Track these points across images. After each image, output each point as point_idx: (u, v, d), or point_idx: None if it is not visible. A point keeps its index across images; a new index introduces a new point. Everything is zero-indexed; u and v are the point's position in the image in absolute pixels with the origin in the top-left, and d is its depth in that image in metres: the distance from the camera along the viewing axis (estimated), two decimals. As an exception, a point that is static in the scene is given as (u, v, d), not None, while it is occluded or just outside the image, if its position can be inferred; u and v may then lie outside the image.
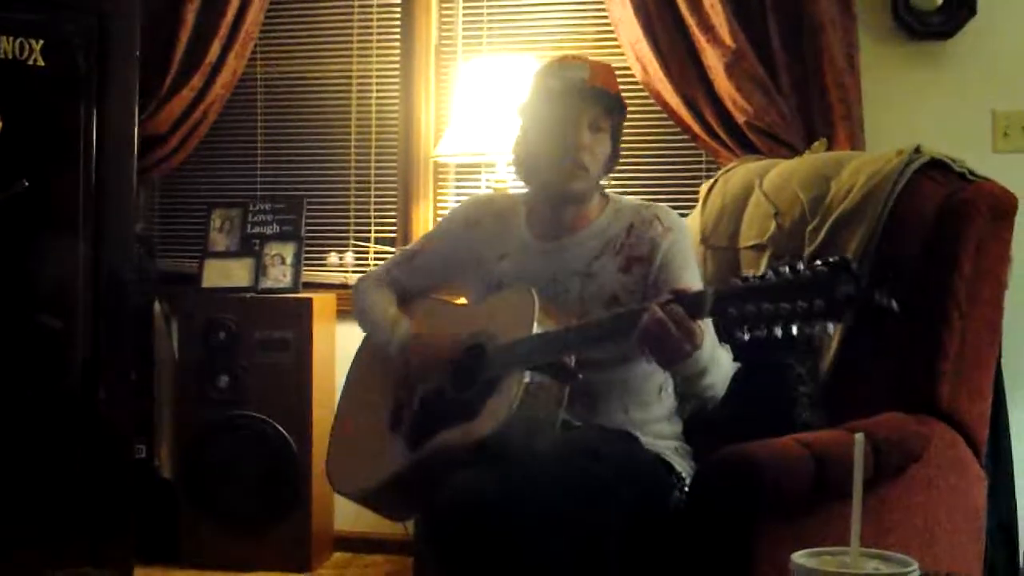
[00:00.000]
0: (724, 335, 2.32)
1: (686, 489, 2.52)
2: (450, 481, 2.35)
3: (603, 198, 2.74)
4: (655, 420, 2.63)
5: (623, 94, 2.68)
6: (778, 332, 1.98)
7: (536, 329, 2.45)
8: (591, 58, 2.79)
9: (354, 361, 2.96)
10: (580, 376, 2.41)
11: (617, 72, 3.91)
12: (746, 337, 2.07)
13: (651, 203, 2.73)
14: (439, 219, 4.24)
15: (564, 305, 2.57)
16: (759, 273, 2.07)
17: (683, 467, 2.58)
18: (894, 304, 1.89)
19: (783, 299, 1.97)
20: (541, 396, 2.41)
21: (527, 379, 2.39)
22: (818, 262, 1.93)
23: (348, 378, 2.95)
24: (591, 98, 2.63)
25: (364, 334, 2.92)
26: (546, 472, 2.29)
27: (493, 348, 2.53)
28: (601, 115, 2.64)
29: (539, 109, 2.69)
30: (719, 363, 2.44)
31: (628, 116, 3.91)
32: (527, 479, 2.28)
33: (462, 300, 2.94)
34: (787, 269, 2.00)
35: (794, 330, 1.96)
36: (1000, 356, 2.90)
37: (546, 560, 2.25)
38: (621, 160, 2.79)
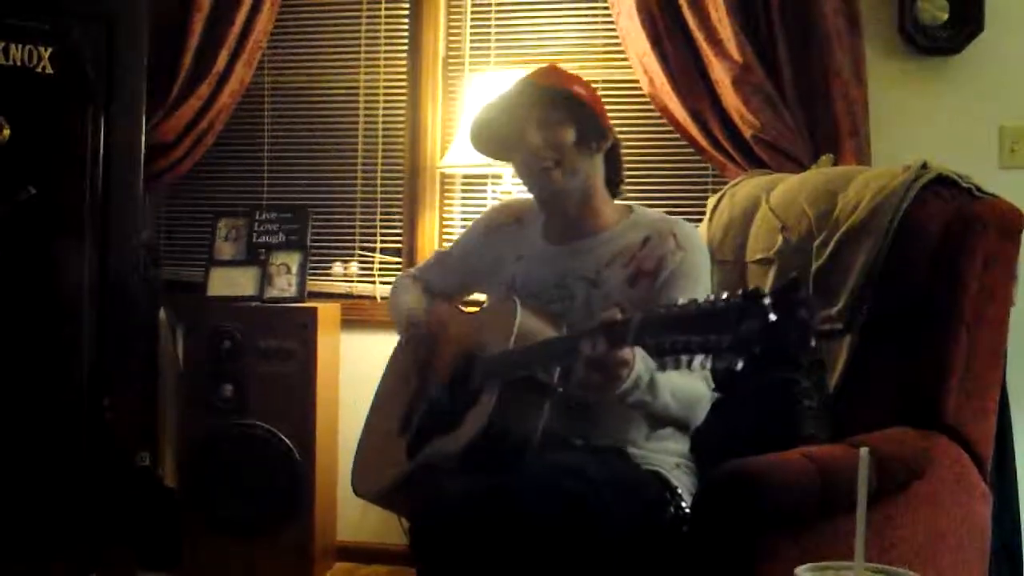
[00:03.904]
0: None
1: (683, 505, 2.51)
2: (428, 492, 2.37)
3: (625, 208, 2.74)
4: (657, 436, 2.61)
5: (631, 108, 2.68)
6: (694, 364, 1.93)
7: (514, 342, 2.45)
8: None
9: (386, 367, 3.01)
10: (560, 390, 2.40)
11: (623, 85, 3.96)
12: (668, 369, 2.04)
13: (674, 218, 2.70)
14: (445, 229, 4.26)
15: (569, 311, 2.57)
16: (685, 302, 2.02)
17: (682, 483, 2.57)
18: (812, 342, 1.85)
19: (695, 331, 1.92)
20: (518, 410, 2.41)
21: (502, 394, 2.40)
22: (739, 292, 1.87)
23: (379, 382, 3.01)
24: (533, 98, 2.64)
25: (393, 345, 3.01)
26: (526, 492, 2.28)
27: (479, 359, 2.56)
28: (547, 108, 2.63)
29: (499, 130, 2.73)
30: (678, 387, 2.39)
31: (634, 130, 3.98)
32: (506, 498, 2.28)
33: (472, 308, 2.98)
34: (706, 300, 1.94)
35: (707, 364, 1.91)
36: (1005, 374, 2.89)
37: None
38: (626, 172, 2.78)
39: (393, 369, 2.99)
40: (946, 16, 3.74)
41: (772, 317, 1.78)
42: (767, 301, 1.78)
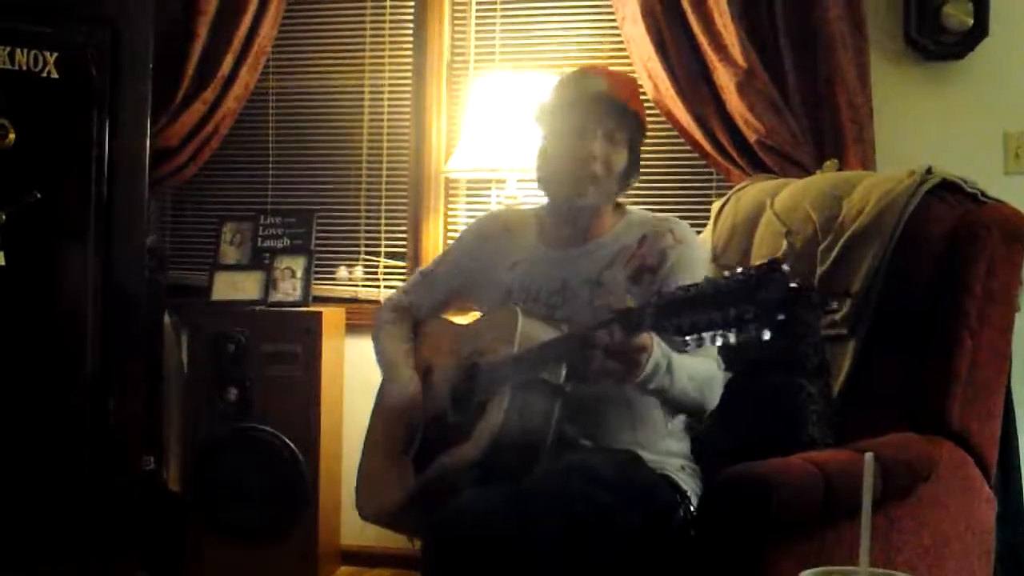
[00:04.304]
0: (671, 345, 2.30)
1: (691, 508, 2.51)
2: (446, 505, 2.36)
3: (619, 210, 2.74)
4: (662, 437, 2.61)
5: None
6: (717, 340, 1.93)
7: (518, 346, 2.45)
8: (614, 69, 2.79)
9: (381, 385, 2.97)
10: (568, 389, 2.40)
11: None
12: (687, 348, 2.05)
13: (667, 216, 2.72)
14: (450, 234, 4.26)
15: (573, 316, 2.57)
16: (699, 282, 2.02)
17: (689, 485, 2.56)
18: (833, 304, 1.85)
19: (715, 307, 1.93)
20: (529, 414, 2.41)
21: (511, 398, 2.39)
22: (752, 266, 1.89)
23: (375, 403, 2.96)
24: (606, 109, 2.61)
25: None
26: (542, 496, 2.27)
27: (481, 369, 2.55)
28: (616, 127, 2.62)
29: (555, 119, 2.69)
30: (695, 369, 2.39)
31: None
32: (522, 503, 2.27)
33: (469, 318, 2.95)
34: (723, 276, 1.96)
35: (731, 339, 1.91)
36: (1009, 378, 2.89)
37: None
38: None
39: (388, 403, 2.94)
40: (972, 21, 3.74)
41: (793, 284, 1.78)
42: (786, 268, 1.80)
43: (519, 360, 2.44)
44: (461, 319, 2.98)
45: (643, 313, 2.15)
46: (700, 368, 2.43)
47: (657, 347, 2.26)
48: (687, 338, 2.01)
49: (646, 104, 3.92)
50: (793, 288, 1.80)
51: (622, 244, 2.65)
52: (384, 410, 2.90)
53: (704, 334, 1.96)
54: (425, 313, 2.93)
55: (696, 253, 2.65)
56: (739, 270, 1.90)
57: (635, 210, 2.78)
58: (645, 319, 2.14)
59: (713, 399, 2.50)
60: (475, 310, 2.95)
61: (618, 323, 2.20)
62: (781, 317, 1.82)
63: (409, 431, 2.73)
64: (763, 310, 1.84)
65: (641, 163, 2.74)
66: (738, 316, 1.88)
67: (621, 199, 2.76)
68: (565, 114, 2.66)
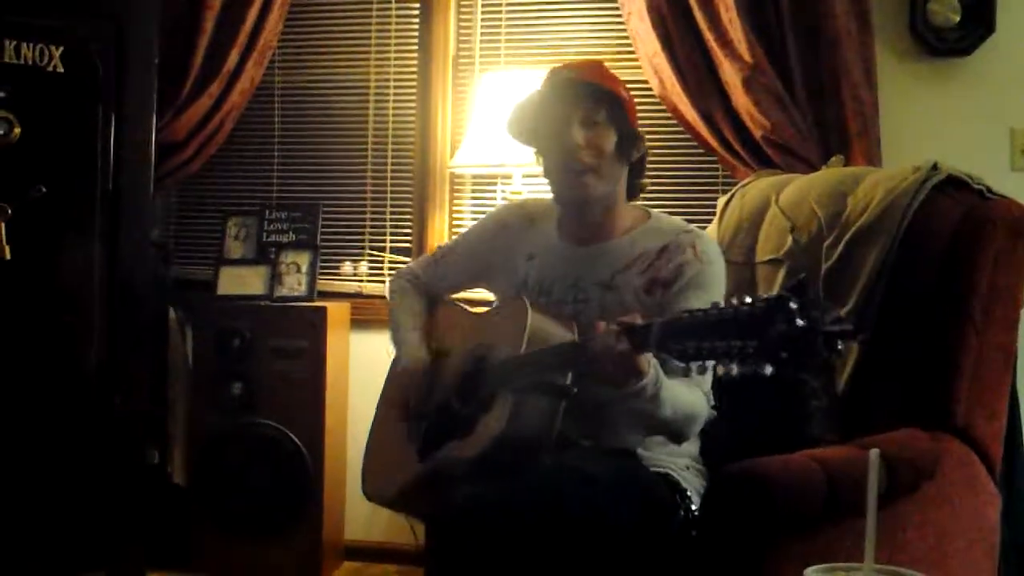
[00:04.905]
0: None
1: (693, 507, 2.50)
2: (449, 498, 2.36)
3: (642, 212, 2.71)
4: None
5: (639, 109, 2.66)
6: (719, 370, 1.90)
7: (526, 345, 2.43)
8: (582, 59, 2.77)
9: (389, 371, 2.97)
10: (574, 391, 2.39)
11: (634, 86, 3.95)
12: (693, 374, 2.02)
13: (694, 229, 2.66)
14: (455, 229, 4.26)
15: (582, 314, 2.56)
16: (707, 308, 1.97)
17: (692, 485, 2.56)
18: (839, 345, 1.81)
19: (720, 337, 1.89)
20: (533, 414, 2.40)
21: (517, 398, 2.39)
22: (762, 296, 1.84)
23: (385, 383, 2.97)
24: (577, 95, 2.58)
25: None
26: (534, 496, 2.27)
27: (490, 363, 2.54)
28: (593, 109, 2.57)
29: (535, 122, 2.67)
30: (680, 402, 2.36)
31: (645, 130, 3.93)
32: (516, 502, 2.27)
33: (479, 309, 2.96)
34: (731, 305, 1.91)
35: (734, 370, 1.87)
36: (1015, 373, 2.89)
37: None
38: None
39: (396, 373, 2.96)
40: (958, 18, 3.74)
41: (800, 322, 1.75)
42: (793, 305, 1.76)
43: (524, 361, 2.44)
44: (473, 308, 2.98)
45: (648, 332, 2.12)
46: (685, 402, 2.39)
47: (652, 372, 2.24)
48: (691, 363, 2.00)
49: (652, 100, 3.95)
50: (800, 327, 1.76)
51: (642, 249, 2.61)
52: (392, 386, 2.91)
53: (707, 362, 1.94)
54: (436, 291, 2.93)
55: (714, 272, 2.58)
56: (748, 299, 1.86)
57: (661, 216, 2.73)
58: (650, 338, 2.12)
59: (690, 434, 2.49)
60: (488, 294, 2.98)
61: (624, 336, 2.17)
62: (784, 355, 1.78)
63: (414, 415, 2.74)
64: (767, 346, 1.80)
65: (643, 160, 2.71)
66: (741, 349, 1.85)
67: (647, 205, 2.74)
68: (540, 114, 2.64)
